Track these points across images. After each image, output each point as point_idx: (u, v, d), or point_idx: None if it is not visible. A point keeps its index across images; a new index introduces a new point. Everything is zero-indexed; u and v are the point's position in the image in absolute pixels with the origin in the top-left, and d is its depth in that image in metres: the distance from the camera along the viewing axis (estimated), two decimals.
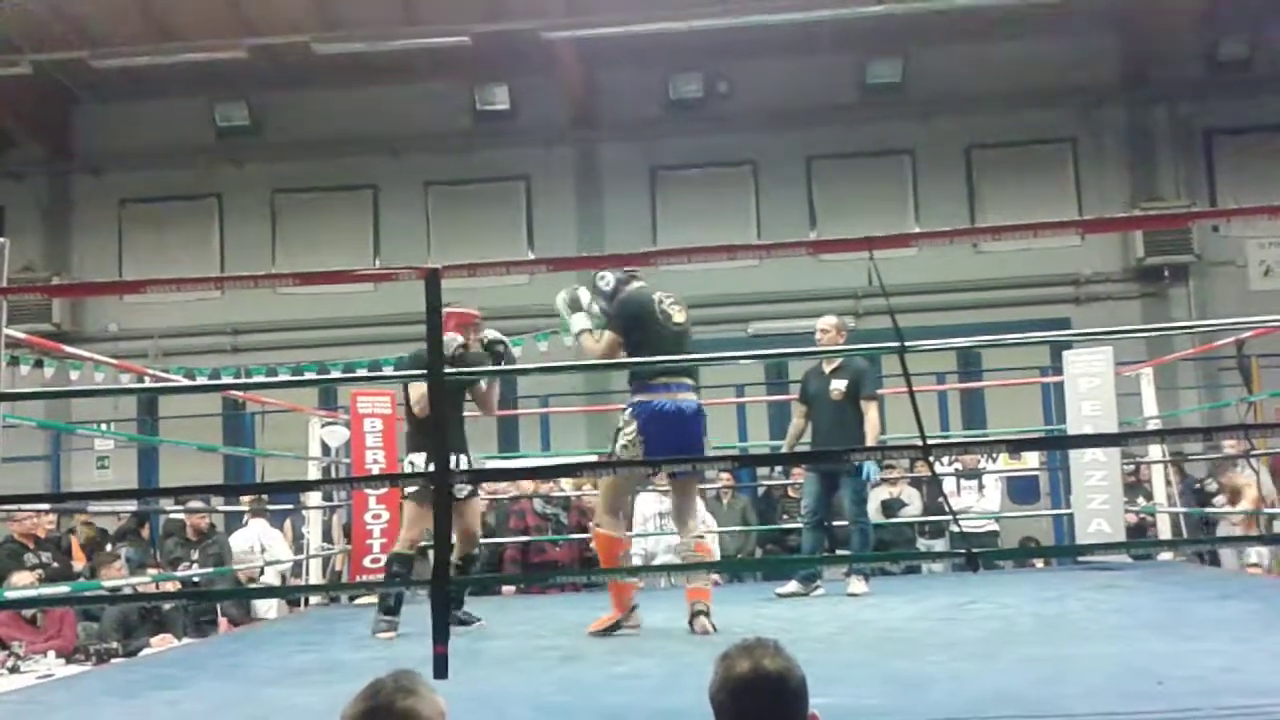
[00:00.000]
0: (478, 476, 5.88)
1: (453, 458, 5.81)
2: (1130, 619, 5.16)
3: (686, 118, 13.35)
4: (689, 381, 5.31)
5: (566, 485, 9.28)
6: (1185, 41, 12.86)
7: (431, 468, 5.51)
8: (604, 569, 5.40)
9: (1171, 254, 12.54)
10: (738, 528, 9.25)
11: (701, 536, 5.53)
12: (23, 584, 6.51)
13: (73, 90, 13.62)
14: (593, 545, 5.62)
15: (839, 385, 6.75)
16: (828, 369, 6.88)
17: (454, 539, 5.42)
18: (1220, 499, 8.78)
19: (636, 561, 8.71)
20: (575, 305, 5.51)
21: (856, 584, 6.75)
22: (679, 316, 5.36)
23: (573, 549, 8.96)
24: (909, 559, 9.24)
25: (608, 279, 5.47)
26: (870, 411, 6.66)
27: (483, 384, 5.87)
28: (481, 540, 9.00)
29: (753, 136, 13.25)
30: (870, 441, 6.54)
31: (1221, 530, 8.61)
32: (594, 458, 9.77)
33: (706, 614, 5.10)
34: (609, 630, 5.30)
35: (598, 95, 13.48)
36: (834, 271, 11.83)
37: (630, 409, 5.28)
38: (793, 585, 6.84)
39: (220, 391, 10.56)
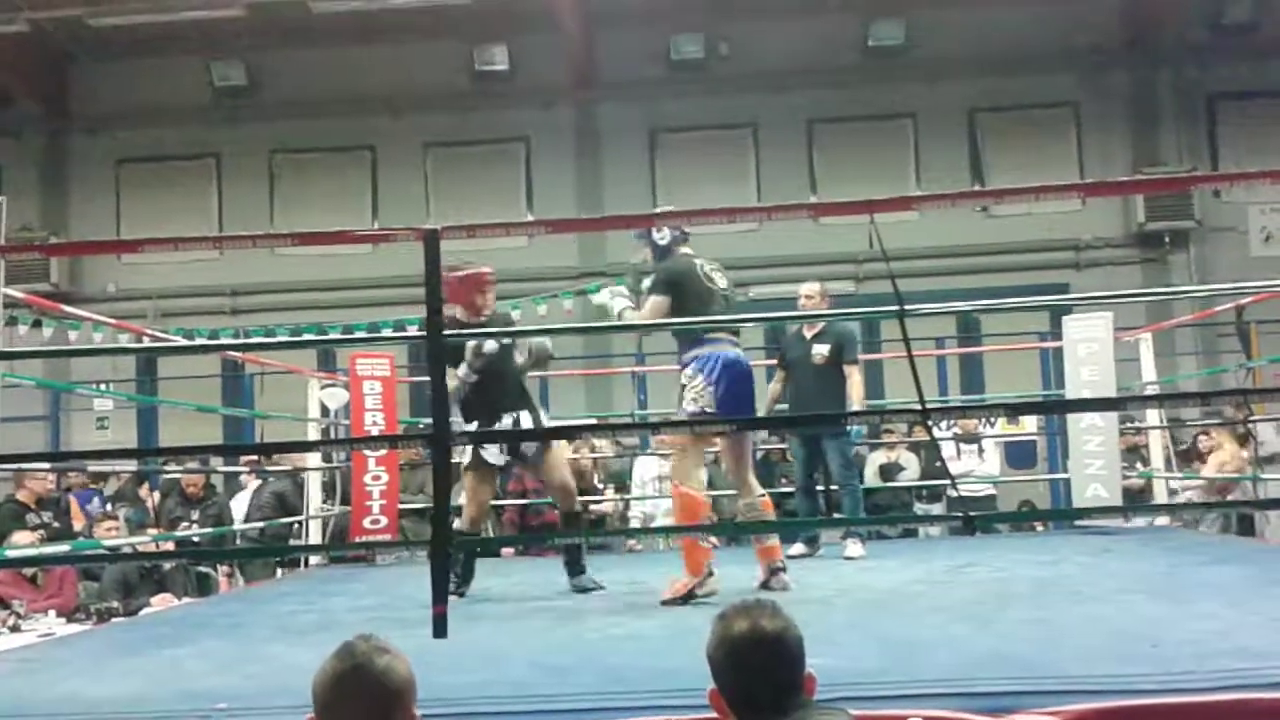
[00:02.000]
0: (476, 437, 5.77)
1: (511, 418, 5.70)
2: (1125, 583, 5.17)
3: (687, 79, 13.27)
4: (737, 340, 5.30)
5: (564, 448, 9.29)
6: (1189, 5, 12.77)
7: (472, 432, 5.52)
8: (596, 531, 5.34)
9: (1173, 219, 12.52)
10: (731, 492, 9.25)
11: (764, 494, 5.41)
12: (24, 543, 6.54)
13: (70, 49, 13.52)
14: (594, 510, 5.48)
15: (822, 350, 6.77)
16: (809, 334, 6.90)
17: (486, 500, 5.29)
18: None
19: (635, 524, 8.75)
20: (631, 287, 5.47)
21: (853, 547, 6.78)
22: (721, 281, 5.31)
23: None
24: (906, 522, 9.28)
25: (664, 234, 5.36)
26: (854, 375, 6.69)
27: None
28: (502, 501, 9.04)
29: (753, 99, 13.17)
30: (855, 405, 6.58)
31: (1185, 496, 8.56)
32: (593, 420, 9.80)
33: (784, 570, 5.24)
34: (684, 599, 4.92)
35: (597, 56, 13.39)
36: (834, 236, 11.79)
37: (693, 363, 5.12)
38: (799, 548, 6.86)
39: (219, 352, 10.55)
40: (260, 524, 8.28)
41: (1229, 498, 8.30)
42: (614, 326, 5.03)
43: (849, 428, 6.73)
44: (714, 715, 2.24)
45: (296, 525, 8.26)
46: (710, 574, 5.00)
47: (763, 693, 2.12)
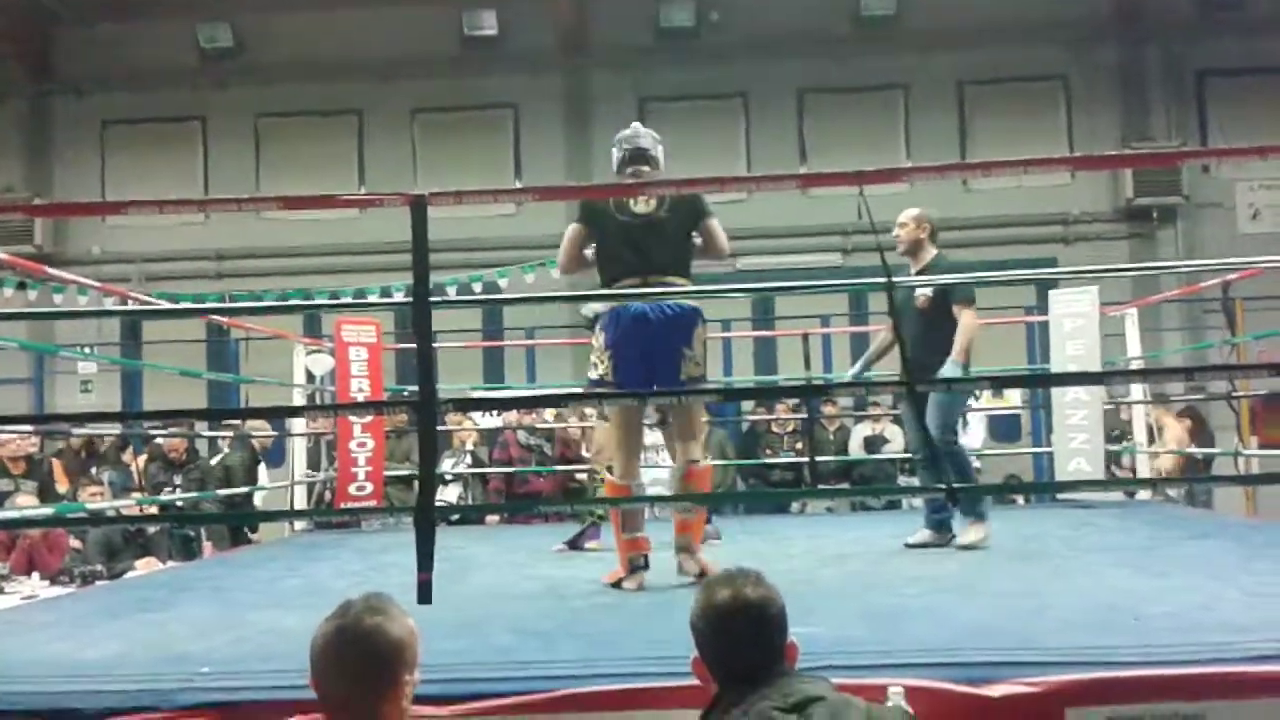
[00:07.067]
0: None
1: None
2: (1107, 556, 5.21)
3: (677, 47, 13.20)
4: (666, 281, 4.52)
5: (550, 416, 9.30)
6: None
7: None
8: (585, 499, 5.21)
9: (1161, 195, 12.53)
10: (718, 461, 9.27)
11: (696, 460, 4.72)
12: (26, 504, 6.54)
13: (55, 10, 13.37)
14: (580, 478, 5.19)
15: (925, 291, 5.74)
16: (914, 273, 5.91)
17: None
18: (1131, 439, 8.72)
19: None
20: None
21: (973, 531, 5.66)
22: (645, 205, 4.59)
23: (556, 479, 9.00)
24: (890, 494, 9.31)
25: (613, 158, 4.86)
26: (964, 318, 5.68)
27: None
28: (487, 469, 9.04)
29: (744, 68, 13.11)
30: (957, 349, 5.66)
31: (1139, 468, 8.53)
32: (579, 389, 9.80)
33: (689, 551, 4.62)
34: (615, 585, 4.64)
35: (587, 22, 13.31)
36: (823, 207, 11.78)
37: (598, 322, 4.73)
38: (923, 534, 5.83)
39: (204, 316, 10.50)
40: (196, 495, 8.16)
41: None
42: (601, 294, 4.78)
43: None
44: (698, 683, 2.25)
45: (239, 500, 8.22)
46: (636, 570, 4.61)
47: (745, 661, 2.13)
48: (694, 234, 4.72)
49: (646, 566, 4.64)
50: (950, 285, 5.66)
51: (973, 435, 9.62)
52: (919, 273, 5.79)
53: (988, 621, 3.47)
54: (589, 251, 4.74)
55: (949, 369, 5.62)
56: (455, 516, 8.62)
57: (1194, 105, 13.12)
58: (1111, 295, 8.73)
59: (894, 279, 3.42)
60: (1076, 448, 7.85)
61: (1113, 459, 8.48)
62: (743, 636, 2.14)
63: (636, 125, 5.00)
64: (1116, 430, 8.70)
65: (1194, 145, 12.55)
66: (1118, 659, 2.79)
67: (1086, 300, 7.86)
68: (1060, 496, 8.53)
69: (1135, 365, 8.15)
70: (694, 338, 4.60)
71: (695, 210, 4.68)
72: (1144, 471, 8.15)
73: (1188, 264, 9.89)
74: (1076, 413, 7.84)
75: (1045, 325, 8.40)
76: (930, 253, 5.80)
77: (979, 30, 12.77)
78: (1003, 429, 11.38)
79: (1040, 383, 10.22)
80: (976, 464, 9.51)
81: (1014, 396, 10.46)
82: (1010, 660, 2.80)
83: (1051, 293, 8.22)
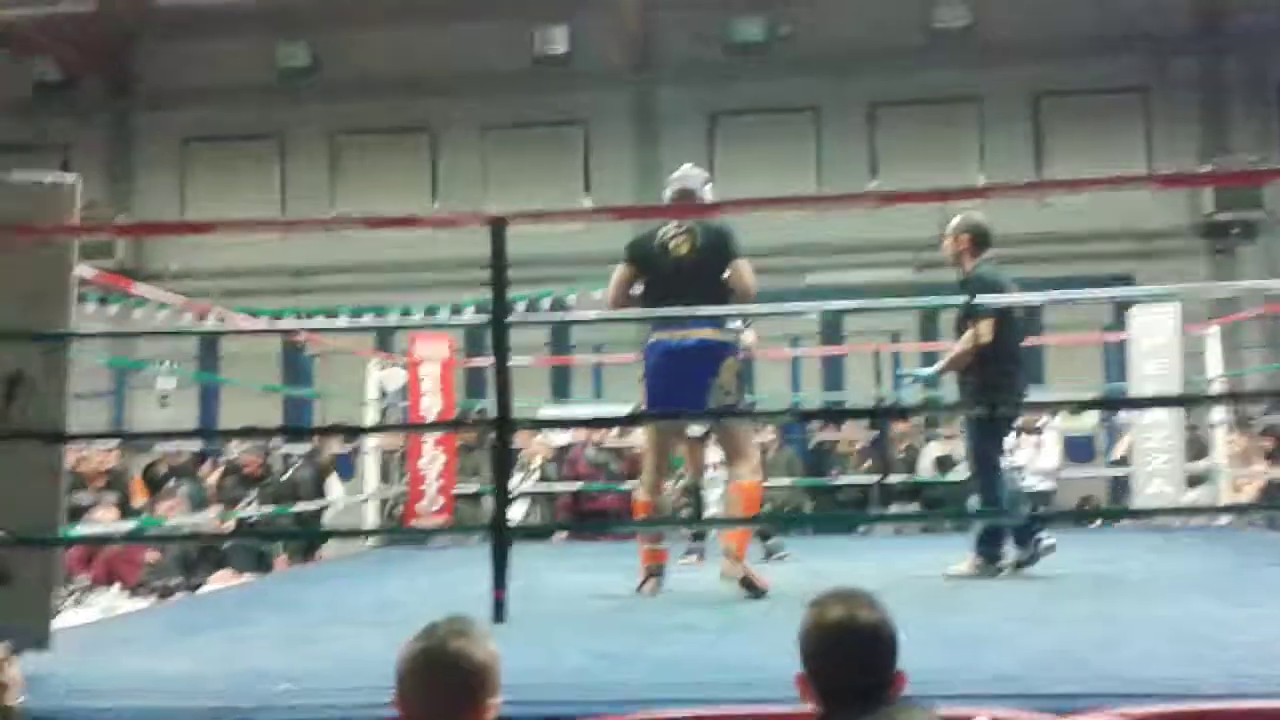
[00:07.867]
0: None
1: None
2: (1187, 581, 5.09)
3: (747, 62, 13.17)
4: (699, 317, 4.74)
5: (616, 433, 9.30)
6: None
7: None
8: (650, 521, 5.16)
9: (1241, 210, 12.23)
10: (784, 480, 9.21)
11: (741, 478, 4.85)
12: (109, 519, 6.66)
13: (135, 28, 13.69)
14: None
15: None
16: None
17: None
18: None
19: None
20: None
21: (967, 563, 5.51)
22: (683, 249, 4.87)
23: (624, 497, 8.99)
24: (962, 518, 9.17)
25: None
26: (974, 329, 5.14)
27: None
28: (536, 489, 9.06)
29: (815, 82, 13.05)
30: (940, 363, 5.48)
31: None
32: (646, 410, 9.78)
33: (732, 558, 4.73)
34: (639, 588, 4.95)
35: (657, 38, 13.35)
36: (893, 222, 11.64)
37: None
38: (967, 563, 5.49)
39: (283, 335, 10.63)
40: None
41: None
42: (669, 314, 4.83)
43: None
44: (778, 710, 2.22)
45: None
46: (652, 576, 4.93)
47: (852, 684, 2.06)
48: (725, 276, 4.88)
49: (662, 574, 4.98)
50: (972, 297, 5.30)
51: (1046, 455, 9.43)
52: (959, 285, 5.51)
53: (1066, 649, 3.40)
54: (636, 289, 5.02)
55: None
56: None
57: (1277, 117, 12.83)
58: (1190, 312, 8.54)
59: (976, 297, 3.37)
60: (1155, 469, 7.69)
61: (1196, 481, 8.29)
62: (854, 658, 2.08)
63: (686, 167, 5.28)
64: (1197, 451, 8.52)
65: (1277, 159, 12.25)
66: (1202, 690, 2.72)
67: (1167, 318, 7.69)
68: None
69: (1219, 386, 7.95)
70: (722, 369, 4.82)
71: (725, 253, 4.90)
72: (1225, 494, 7.95)
73: (1273, 283, 9.64)
74: (1156, 434, 7.68)
75: (1122, 344, 8.23)
76: (971, 264, 5.45)
77: (1054, 42, 12.60)
78: (1077, 450, 11.16)
79: (1128, 405, 9.99)
80: (1049, 485, 9.34)
81: (1090, 416, 10.27)
82: (1094, 691, 2.74)
83: (1131, 310, 8.04)
